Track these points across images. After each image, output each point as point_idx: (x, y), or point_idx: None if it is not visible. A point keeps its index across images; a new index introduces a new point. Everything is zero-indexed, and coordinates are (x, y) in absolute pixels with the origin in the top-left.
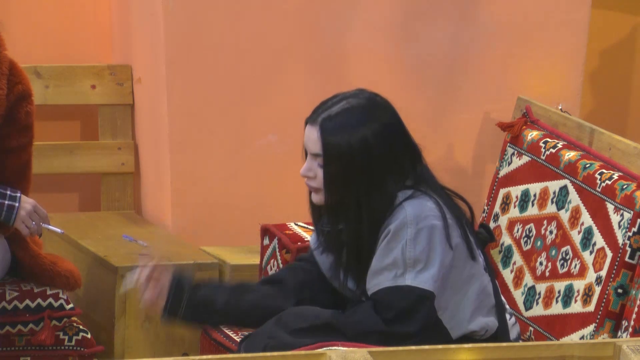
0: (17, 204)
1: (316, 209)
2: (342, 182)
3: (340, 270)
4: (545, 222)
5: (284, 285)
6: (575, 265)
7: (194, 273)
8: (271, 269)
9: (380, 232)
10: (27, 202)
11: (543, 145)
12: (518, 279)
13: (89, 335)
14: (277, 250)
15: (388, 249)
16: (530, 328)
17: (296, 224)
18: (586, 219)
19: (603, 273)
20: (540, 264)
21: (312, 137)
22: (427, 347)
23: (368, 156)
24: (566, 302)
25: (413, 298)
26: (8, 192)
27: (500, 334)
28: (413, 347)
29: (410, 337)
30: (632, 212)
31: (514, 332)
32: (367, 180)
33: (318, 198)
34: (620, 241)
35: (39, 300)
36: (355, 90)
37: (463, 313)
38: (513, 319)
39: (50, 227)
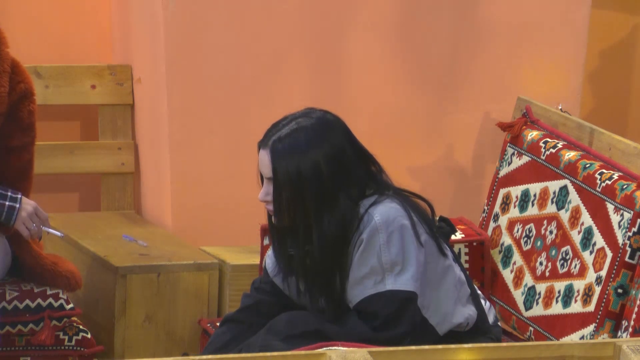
0: (17, 205)
1: (277, 233)
2: (293, 206)
3: (309, 292)
4: (545, 222)
5: (246, 325)
6: (575, 265)
7: None
8: None
9: (350, 244)
10: (28, 204)
11: (543, 145)
12: (518, 279)
13: (89, 335)
14: None
15: (363, 258)
16: (530, 328)
17: None
18: (586, 219)
19: (603, 273)
20: (540, 264)
21: (265, 161)
22: (427, 347)
23: (318, 179)
24: (566, 302)
25: (397, 302)
26: (9, 194)
27: (480, 322)
28: (413, 347)
29: (400, 340)
30: (632, 212)
31: (491, 316)
32: (318, 203)
33: (279, 222)
34: (620, 241)
35: (39, 300)
36: (306, 109)
37: (446, 307)
38: (488, 303)
39: (51, 230)
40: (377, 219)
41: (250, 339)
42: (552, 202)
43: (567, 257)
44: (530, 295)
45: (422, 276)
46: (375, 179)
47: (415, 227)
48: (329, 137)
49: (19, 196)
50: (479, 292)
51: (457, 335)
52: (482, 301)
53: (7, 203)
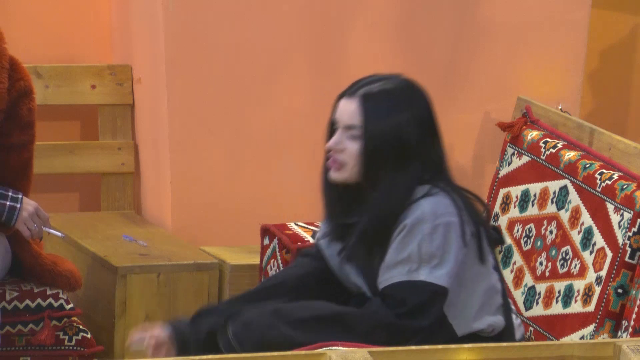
0: (18, 205)
1: (330, 195)
2: (362, 161)
3: (348, 263)
4: (545, 222)
5: (283, 287)
6: (575, 265)
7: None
8: (271, 269)
9: (393, 228)
10: (29, 204)
11: (543, 145)
12: (518, 279)
13: (89, 335)
14: (277, 250)
15: (403, 243)
16: (530, 328)
17: (296, 224)
18: (586, 219)
19: (603, 273)
20: (540, 264)
21: (349, 109)
22: (427, 347)
23: (399, 140)
24: (566, 302)
25: (426, 294)
26: (10, 194)
27: (505, 334)
28: (413, 347)
29: (420, 332)
30: (632, 212)
31: (519, 333)
32: (392, 164)
33: (340, 175)
34: (620, 241)
35: (39, 300)
36: (392, 73)
37: (469, 310)
38: (519, 320)
39: (51, 230)
40: (425, 209)
41: (251, 318)
42: (552, 202)
43: (567, 257)
44: (530, 295)
45: (457, 274)
46: (438, 166)
47: (463, 226)
48: (417, 104)
49: (20, 196)
50: (512, 307)
51: (479, 339)
52: (513, 316)
53: (8, 203)
